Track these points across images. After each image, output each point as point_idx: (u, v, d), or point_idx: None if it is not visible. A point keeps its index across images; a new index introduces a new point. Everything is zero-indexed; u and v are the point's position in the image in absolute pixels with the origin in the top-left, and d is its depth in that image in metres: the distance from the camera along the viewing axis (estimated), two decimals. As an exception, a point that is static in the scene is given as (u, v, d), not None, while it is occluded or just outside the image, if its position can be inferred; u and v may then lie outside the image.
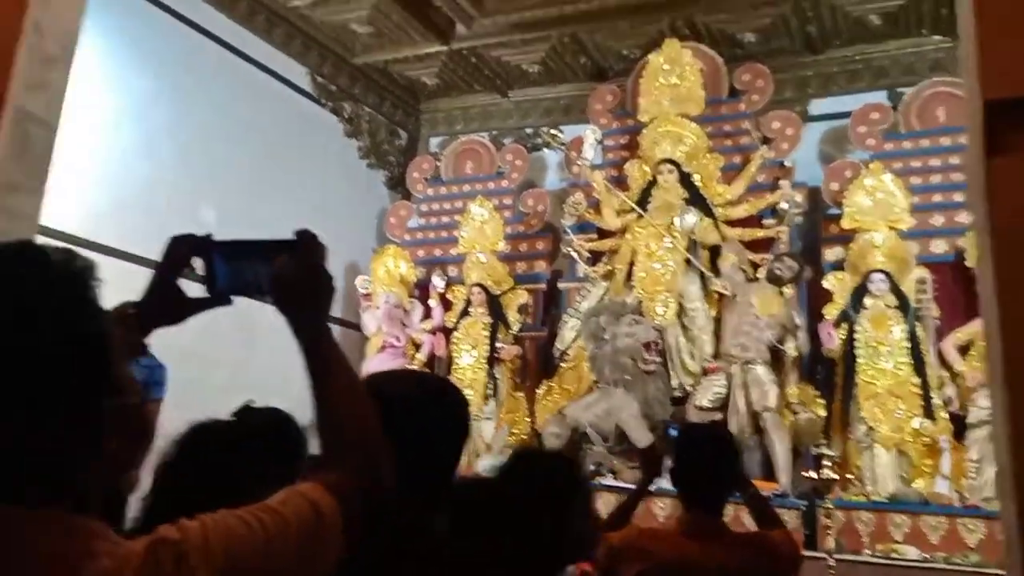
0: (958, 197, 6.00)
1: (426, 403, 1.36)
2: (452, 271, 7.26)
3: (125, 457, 1.04)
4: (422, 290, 7.24)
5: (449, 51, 7.45)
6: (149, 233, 5.76)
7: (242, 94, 6.70)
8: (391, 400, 1.35)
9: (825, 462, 4.66)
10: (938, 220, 5.97)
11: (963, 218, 5.90)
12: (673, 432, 3.78)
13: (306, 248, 1.03)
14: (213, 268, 1.07)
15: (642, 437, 5.59)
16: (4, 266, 0.82)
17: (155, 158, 5.93)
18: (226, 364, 6.09)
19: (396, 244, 7.51)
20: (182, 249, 1.11)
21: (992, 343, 2.50)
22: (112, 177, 5.63)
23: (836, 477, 4.71)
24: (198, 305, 1.17)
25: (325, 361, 1.04)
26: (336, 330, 7.36)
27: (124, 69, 5.71)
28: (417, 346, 6.99)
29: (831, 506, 4.62)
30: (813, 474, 4.71)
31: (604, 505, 5.37)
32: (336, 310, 7.48)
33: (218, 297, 1.11)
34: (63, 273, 0.85)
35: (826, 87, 7.06)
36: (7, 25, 4.22)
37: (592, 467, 5.63)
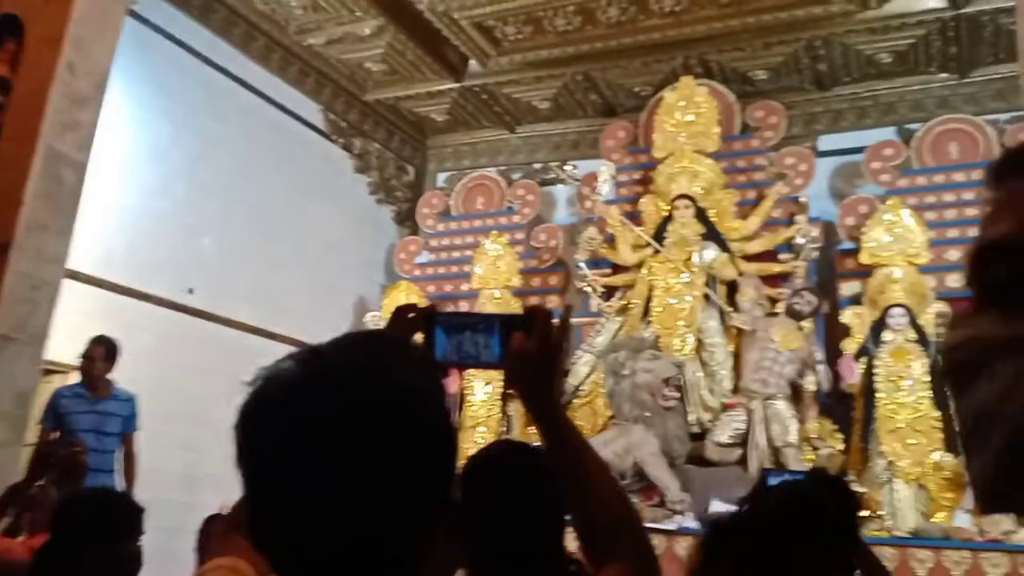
0: (973, 232, 6.02)
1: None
2: (463, 306, 7.22)
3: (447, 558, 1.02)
4: (433, 326, 7.17)
5: (461, 88, 7.50)
6: (163, 272, 5.79)
7: (258, 131, 6.72)
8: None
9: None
10: (954, 255, 6.00)
11: (979, 253, 5.92)
12: (774, 479, 3.54)
13: (540, 323, 1.00)
14: (433, 338, 1.06)
15: (662, 475, 5.53)
16: (395, 356, 0.77)
17: (171, 197, 5.91)
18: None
19: (406, 279, 7.48)
20: (406, 318, 1.08)
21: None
22: (128, 217, 5.60)
23: (868, 513, 4.66)
24: None
25: (563, 438, 0.98)
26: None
27: (146, 110, 5.72)
28: (430, 382, 6.91)
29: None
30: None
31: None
32: (346, 347, 7.44)
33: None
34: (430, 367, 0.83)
35: (835, 123, 7.14)
36: (41, 64, 4.18)
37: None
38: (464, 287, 7.34)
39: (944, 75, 6.77)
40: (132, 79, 5.52)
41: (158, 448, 5.58)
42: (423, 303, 5.34)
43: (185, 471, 5.85)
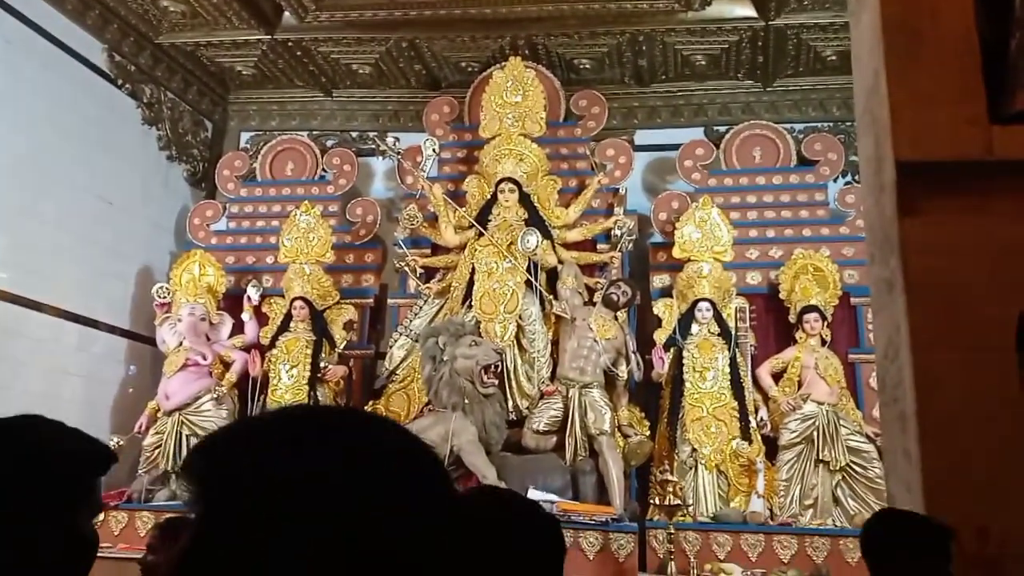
0: (771, 233, 6.48)
1: (517, 527, 1.09)
2: (267, 280, 6.65)
3: None
4: (230, 301, 6.56)
5: (272, 41, 6.86)
6: None
7: (25, 66, 5.72)
8: (481, 524, 1.08)
9: (669, 488, 4.77)
10: (753, 253, 6.40)
11: (775, 252, 6.37)
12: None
13: None
14: None
15: (479, 463, 5.42)
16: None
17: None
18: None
19: (200, 248, 6.75)
20: None
21: (903, 391, 2.63)
22: None
23: (680, 502, 4.84)
24: None
25: None
26: (122, 344, 6.56)
27: None
28: (226, 364, 6.30)
29: (673, 529, 4.73)
30: (656, 500, 4.79)
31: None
32: (125, 321, 6.60)
33: None
34: None
35: (651, 118, 7.36)
36: None
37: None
38: (269, 259, 6.77)
39: (749, 82, 7.19)
40: None
41: None
42: (220, 276, 4.82)
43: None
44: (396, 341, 6.34)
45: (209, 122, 7.68)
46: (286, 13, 6.59)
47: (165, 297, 6.43)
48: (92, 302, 6.28)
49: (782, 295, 6.08)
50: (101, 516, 5.31)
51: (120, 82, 6.64)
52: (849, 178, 6.86)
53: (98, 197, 6.38)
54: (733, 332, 5.90)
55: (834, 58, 6.78)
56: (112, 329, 6.48)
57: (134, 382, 6.59)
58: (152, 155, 7.04)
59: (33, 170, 5.76)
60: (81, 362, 6.18)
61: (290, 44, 6.91)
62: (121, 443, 5.88)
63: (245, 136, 7.79)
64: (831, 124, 7.14)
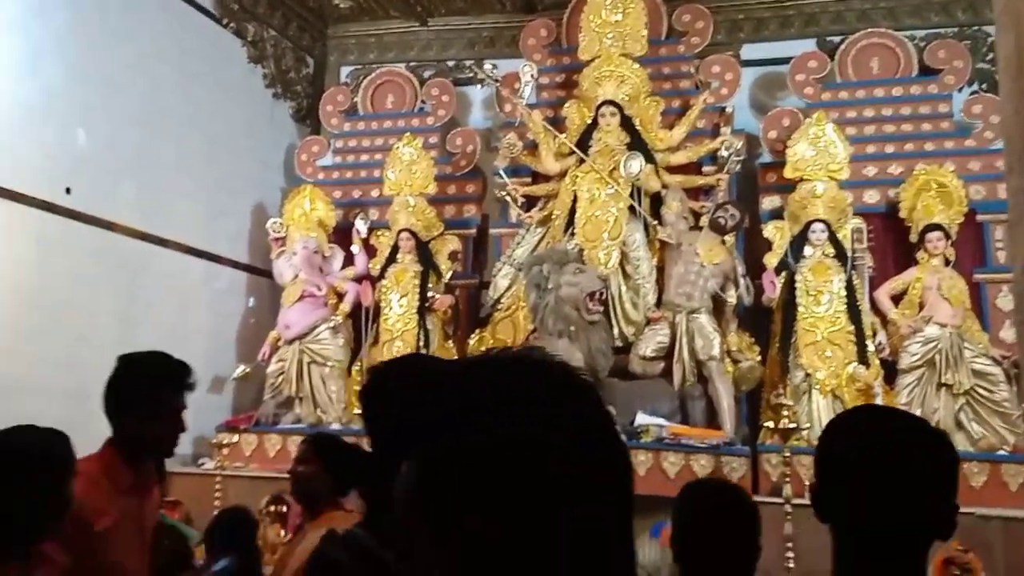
0: (890, 148, 6.13)
1: None
2: (373, 214, 6.79)
3: None
4: (340, 234, 6.75)
5: (368, -29, 6.83)
6: (33, 167, 5.04)
7: (137, 8, 5.88)
8: None
9: (784, 412, 4.71)
10: (871, 171, 6.09)
11: (895, 169, 6.05)
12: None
13: None
14: None
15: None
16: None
17: (40, 81, 5.10)
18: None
19: (309, 183, 6.93)
20: None
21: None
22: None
23: (795, 425, 4.78)
24: None
25: None
26: (242, 277, 6.85)
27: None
28: (339, 295, 6.53)
29: (788, 454, 4.68)
30: (771, 424, 4.74)
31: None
32: (243, 255, 6.89)
33: None
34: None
35: (757, 31, 7.01)
36: None
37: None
38: (374, 193, 6.89)
39: (866, -14, 6.72)
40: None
41: (36, 365, 5.00)
42: (329, 210, 4.98)
43: (68, 389, 5.28)
44: (499, 270, 6.40)
45: (310, 58, 7.78)
46: (381, -58, 6.53)
47: (279, 232, 6.66)
48: (213, 238, 6.57)
49: (902, 214, 5.78)
50: (235, 437, 5.67)
51: (225, 21, 6.78)
52: (976, 87, 6.39)
53: (210, 136, 6.60)
54: (849, 254, 5.67)
55: (961, -45, 6.26)
56: (233, 263, 6.79)
57: (255, 313, 6.92)
58: (258, 93, 7.22)
59: (150, 111, 5.99)
60: (205, 295, 6.52)
61: (386, -27, 6.87)
62: (248, 370, 6.24)
63: (345, 70, 7.87)
64: (956, 30, 6.63)
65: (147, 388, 2.01)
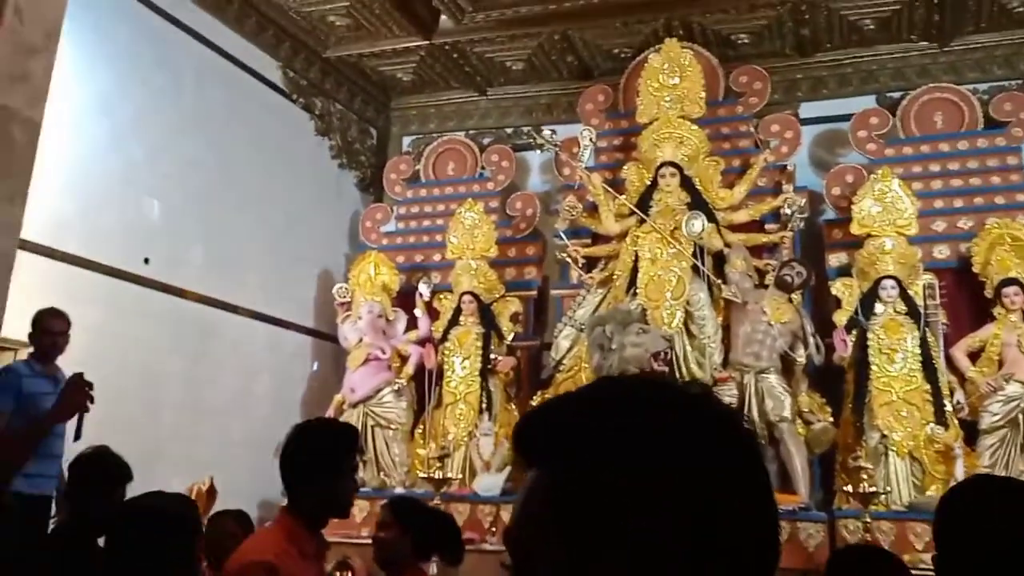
0: (959, 203, 6.02)
1: None
2: (435, 277, 6.88)
3: None
4: (403, 299, 6.85)
5: (430, 46, 7.08)
6: (114, 239, 5.27)
7: (212, 88, 6.20)
8: None
9: (863, 475, 4.54)
10: (940, 226, 5.98)
11: (965, 223, 5.92)
12: None
13: None
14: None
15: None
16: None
17: (122, 155, 5.40)
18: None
19: (373, 249, 7.09)
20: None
21: None
22: (77, 177, 5.06)
23: (874, 490, 4.60)
24: None
25: None
26: (308, 341, 6.98)
27: (92, 60, 5.16)
28: (403, 358, 6.60)
29: (869, 519, 4.50)
30: (849, 487, 4.57)
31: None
32: (309, 320, 7.03)
33: None
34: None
35: (815, 90, 7.01)
36: (-13, 10, 3.61)
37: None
38: (436, 257, 7.01)
39: (924, 43, 6.70)
40: (74, 26, 4.94)
41: (110, 430, 5.11)
42: (393, 274, 5.08)
43: (141, 454, 5.39)
44: (561, 331, 6.39)
45: (374, 129, 8.05)
46: (443, 17, 6.79)
47: (345, 297, 6.80)
48: (279, 304, 6.74)
49: (976, 268, 5.63)
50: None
51: (294, 96, 7.08)
52: (1045, 138, 6.27)
53: (279, 206, 6.82)
54: (922, 311, 5.52)
55: (1021, 9, 6.21)
56: (298, 328, 6.93)
57: (320, 377, 7.02)
58: (325, 164, 7.47)
59: (223, 183, 6.24)
60: (271, 360, 6.65)
61: (447, 47, 7.11)
62: (313, 434, 6.28)
63: (407, 140, 8.10)
64: (1020, 82, 6.54)
65: (333, 450, 2.07)
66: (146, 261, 5.49)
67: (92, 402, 2.67)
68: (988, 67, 6.65)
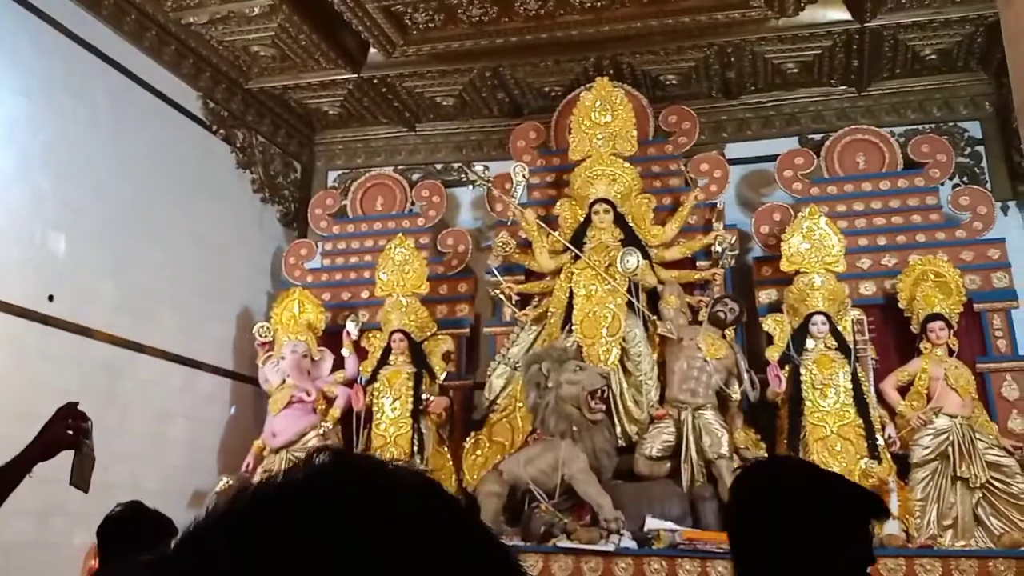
0: (882, 240, 6.18)
1: None
2: (363, 315, 6.63)
3: None
4: (329, 338, 6.57)
5: (358, 79, 6.93)
6: (19, 274, 4.86)
7: (127, 115, 5.87)
8: None
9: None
10: (865, 263, 6.12)
11: (889, 260, 6.07)
12: None
13: None
14: None
15: (593, 492, 5.23)
16: None
17: (30, 185, 5.01)
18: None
19: (297, 286, 6.79)
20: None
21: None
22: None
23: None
24: None
25: None
26: (226, 384, 6.61)
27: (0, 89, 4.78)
28: (329, 400, 6.29)
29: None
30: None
31: (561, 570, 4.97)
32: (227, 361, 6.66)
33: None
34: None
35: (740, 131, 7.16)
36: None
37: (542, 529, 5.18)
38: (364, 294, 6.77)
39: (843, 87, 6.94)
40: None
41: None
42: (319, 312, 4.82)
43: (43, 507, 4.93)
44: (495, 370, 6.23)
45: (298, 163, 7.80)
46: (372, 51, 6.65)
47: (266, 336, 6.47)
48: (195, 344, 6.36)
49: (902, 304, 5.77)
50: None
51: (214, 128, 6.78)
52: (957, 180, 6.54)
53: (197, 241, 6.48)
54: (852, 346, 5.60)
55: (933, 57, 6.50)
56: (215, 370, 6.54)
57: (238, 421, 6.63)
58: (247, 198, 7.17)
59: (137, 216, 5.88)
60: (186, 403, 6.24)
61: (375, 81, 6.97)
62: (231, 482, 5.89)
63: (332, 175, 7.88)
64: (933, 125, 6.83)
65: None
66: (50, 298, 5.08)
67: (87, 438, 2.18)
68: (903, 111, 6.93)
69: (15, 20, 5.03)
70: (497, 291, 6.29)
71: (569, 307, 5.98)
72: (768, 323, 5.92)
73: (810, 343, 5.64)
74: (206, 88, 6.69)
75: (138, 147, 5.94)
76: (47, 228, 5.15)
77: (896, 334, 5.88)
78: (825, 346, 5.63)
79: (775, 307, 6.04)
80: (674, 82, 6.90)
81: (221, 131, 6.88)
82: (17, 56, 5.02)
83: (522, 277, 6.47)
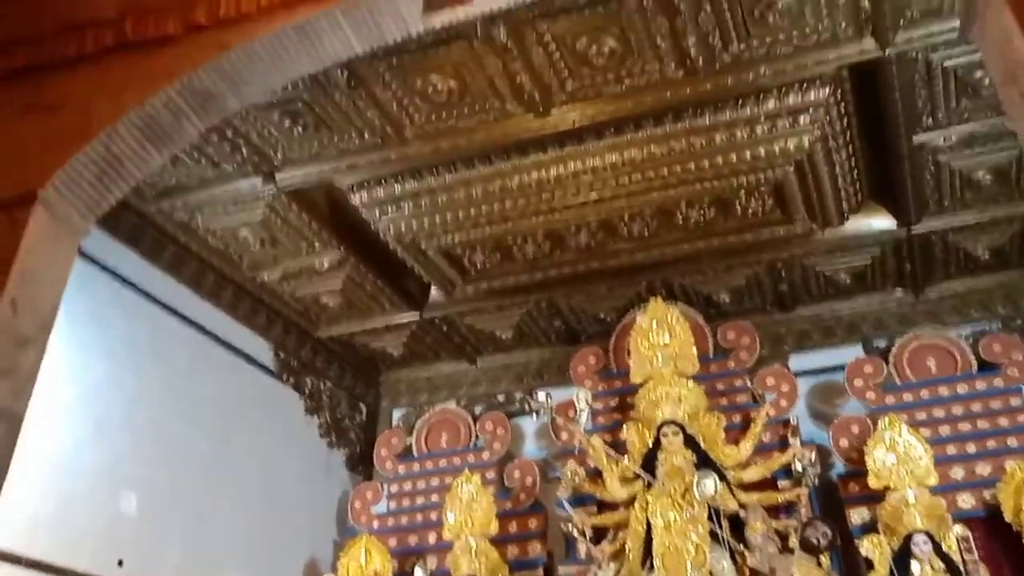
0: (972, 448, 5.85)
1: None
2: (431, 562, 6.37)
3: None
4: (397, 586, 6.28)
5: (420, 320, 7.18)
6: (91, 539, 4.85)
7: (202, 372, 6.11)
8: None
9: None
10: (959, 473, 5.75)
11: (983, 469, 5.71)
12: None
13: None
14: None
15: None
16: None
17: (107, 447, 5.13)
18: None
19: (363, 533, 6.62)
20: None
21: None
22: (56, 475, 4.75)
23: None
24: None
25: None
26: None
27: (86, 350, 5.09)
28: (399, 658, 5.89)
29: None
30: None
31: None
32: (293, 617, 6.36)
33: None
34: None
35: (802, 342, 7.10)
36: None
37: None
38: (431, 538, 6.55)
39: (900, 292, 6.91)
40: (68, 315, 4.93)
41: None
42: (386, 560, 4.59)
43: None
44: (575, 615, 5.81)
45: (363, 404, 7.91)
46: (433, 292, 6.95)
47: (332, 589, 6.22)
48: (262, 601, 6.13)
49: (1007, 516, 5.33)
50: None
51: (284, 377, 7.00)
52: (1038, 377, 6.27)
53: (265, 492, 6.46)
54: (962, 567, 5.12)
55: (987, 256, 6.51)
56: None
57: None
58: (313, 443, 7.22)
59: (208, 472, 5.92)
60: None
61: (436, 321, 7.22)
62: None
63: (397, 413, 7.95)
64: (999, 323, 6.69)
65: None
66: (120, 564, 5.02)
67: None
68: (965, 310, 6.82)
69: (110, 291, 5.40)
70: (569, 526, 6.02)
71: (648, 539, 5.66)
72: (865, 546, 5.49)
73: (915, 566, 5.19)
74: (277, 339, 6.98)
75: (211, 401, 6.11)
76: (121, 489, 5.20)
77: (1004, 549, 5.38)
78: (932, 568, 5.17)
79: (869, 527, 5.63)
80: (727, 300, 6.98)
81: (291, 379, 7.09)
82: (108, 322, 5.34)
83: (595, 509, 6.21)
